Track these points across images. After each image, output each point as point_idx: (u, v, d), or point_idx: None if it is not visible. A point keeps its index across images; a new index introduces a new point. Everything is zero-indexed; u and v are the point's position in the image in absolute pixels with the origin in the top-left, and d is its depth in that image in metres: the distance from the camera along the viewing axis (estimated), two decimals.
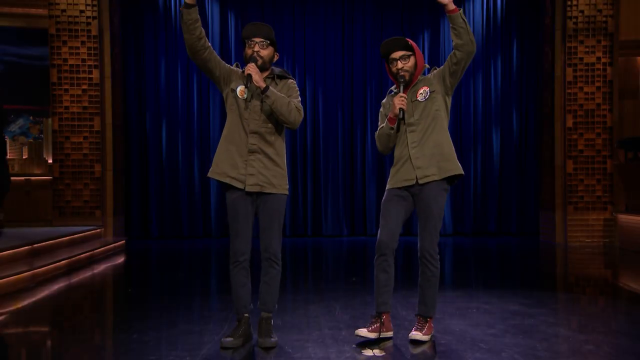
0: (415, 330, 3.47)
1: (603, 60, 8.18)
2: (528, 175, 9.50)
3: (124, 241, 8.17)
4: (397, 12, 9.57)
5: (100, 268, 6.52)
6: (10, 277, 5.09)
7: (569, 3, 8.18)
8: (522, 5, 9.50)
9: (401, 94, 3.44)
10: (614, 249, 7.77)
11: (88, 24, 8.07)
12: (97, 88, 8.10)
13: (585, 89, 8.21)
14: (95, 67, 8.10)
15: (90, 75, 8.09)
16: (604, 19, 8.18)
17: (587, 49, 8.20)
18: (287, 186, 3.48)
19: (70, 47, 8.05)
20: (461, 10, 3.31)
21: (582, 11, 8.18)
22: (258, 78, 3.30)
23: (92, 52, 8.08)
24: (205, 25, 9.34)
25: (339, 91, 9.52)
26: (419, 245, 3.46)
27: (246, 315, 3.47)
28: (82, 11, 8.06)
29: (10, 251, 5.57)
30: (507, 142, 9.57)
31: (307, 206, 9.47)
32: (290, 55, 9.47)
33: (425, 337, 3.45)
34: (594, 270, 6.54)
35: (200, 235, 9.22)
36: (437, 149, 3.42)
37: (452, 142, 3.50)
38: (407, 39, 3.49)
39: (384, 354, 3.18)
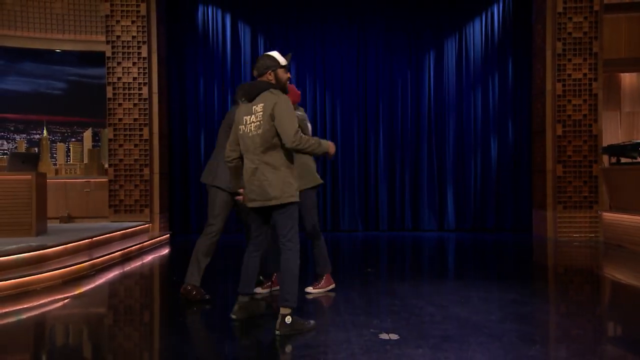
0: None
1: (589, 76, 8.07)
2: (522, 178, 9.39)
3: (168, 235, 8.25)
4: (405, 33, 9.52)
5: (149, 258, 6.60)
6: (74, 266, 5.19)
7: (558, 26, 8.09)
8: (516, 28, 9.41)
9: None
10: (598, 243, 7.66)
11: (139, 47, 8.17)
12: (145, 102, 8.20)
13: (573, 102, 8.10)
14: (145, 84, 8.20)
15: (140, 92, 8.19)
16: (589, 40, 8.07)
17: (575, 66, 8.10)
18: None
19: (124, 68, 8.16)
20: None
21: (569, 33, 8.09)
22: None
23: (142, 71, 8.18)
24: (237, 47, 9.46)
25: (355, 102, 9.49)
26: None
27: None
28: (134, 36, 8.17)
29: (74, 244, 5.67)
30: (504, 148, 9.46)
31: (326, 205, 9.46)
32: (311, 70, 9.48)
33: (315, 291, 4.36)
34: (581, 262, 6.44)
35: (233, 230, 9.27)
36: None
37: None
38: None
39: (397, 337, 3.17)
